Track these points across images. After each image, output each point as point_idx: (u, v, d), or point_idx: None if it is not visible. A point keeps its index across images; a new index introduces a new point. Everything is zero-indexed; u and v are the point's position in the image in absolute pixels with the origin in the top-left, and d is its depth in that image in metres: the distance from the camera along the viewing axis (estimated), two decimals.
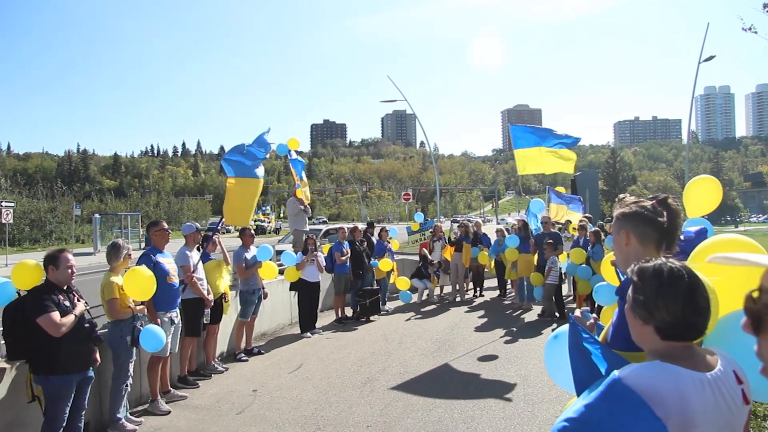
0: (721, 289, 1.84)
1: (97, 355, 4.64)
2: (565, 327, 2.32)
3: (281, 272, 9.61)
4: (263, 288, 8.42)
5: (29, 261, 4.67)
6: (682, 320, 1.45)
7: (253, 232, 8.75)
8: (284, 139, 10.45)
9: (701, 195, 3.54)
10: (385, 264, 11.39)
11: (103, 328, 5.24)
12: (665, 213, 2.02)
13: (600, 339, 2.02)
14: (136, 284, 5.23)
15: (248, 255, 8.13)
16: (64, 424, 4.32)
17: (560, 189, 14.94)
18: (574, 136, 10.55)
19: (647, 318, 1.48)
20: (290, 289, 9.69)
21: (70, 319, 4.31)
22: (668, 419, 1.32)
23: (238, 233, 8.98)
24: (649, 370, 1.41)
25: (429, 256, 12.68)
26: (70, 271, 4.48)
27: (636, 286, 1.53)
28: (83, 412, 4.59)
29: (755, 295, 0.85)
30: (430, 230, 13.58)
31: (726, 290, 1.89)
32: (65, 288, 4.48)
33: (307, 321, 9.45)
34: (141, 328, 5.24)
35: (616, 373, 1.39)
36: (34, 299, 4.27)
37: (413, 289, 12.21)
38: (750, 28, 8.12)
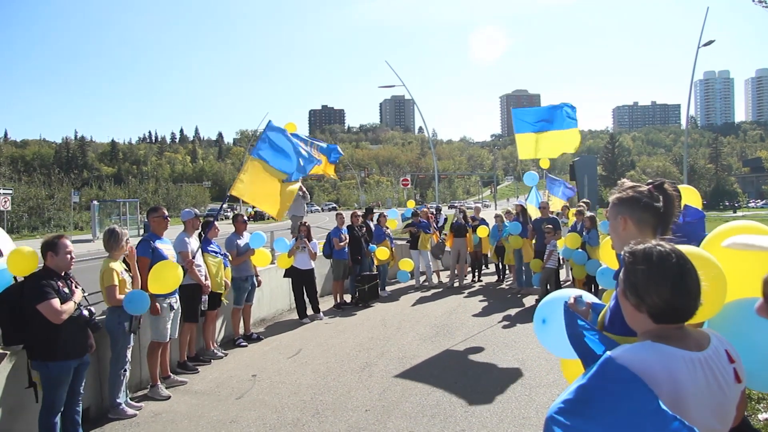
0: (730, 275, 1.86)
1: (93, 341, 4.65)
2: (549, 305, 2.38)
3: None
4: (257, 275, 8.42)
5: (24, 248, 4.67)
6: (672, 303, 1.47)
7: (246, 218, 8.74)
8: (281, 125, 10.38)
9: None
10: (382, 253, 11.40)
11: (102, 315, 5.26)
12: (661, 198, 2.04)
13: (598, 321, 2.05)
14: (163, 276, 5.34)
15: (240, 242, 8.11)
16: (62, 409, 4.36)
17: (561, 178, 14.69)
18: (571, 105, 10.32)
19: (639, 303, 1.51)
20: (284, 276, 9.71)
21: (70, 305, 4.32)
22: (659, 396, 1.34)
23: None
24: (641, 350, 1.44)
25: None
26: (69, 257, 4.47)
27: (627, 270, 1.55)
28: (80, 397, 4.62)
29: None
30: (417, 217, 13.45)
31: (736, 277, 1.91)
32: (63, 274, 4.49)
33: (304, 307, 9.49)
34: (140, 315, 5.28)
35: (609, 353, 1.42)
36: (33, 286, 4.26)
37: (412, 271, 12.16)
38: (762, 0, 8.07)
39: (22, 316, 4.23)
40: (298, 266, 9.44)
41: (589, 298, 2.24)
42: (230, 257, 7.71)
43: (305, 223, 10.04)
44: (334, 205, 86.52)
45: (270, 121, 7.80)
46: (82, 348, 4.49)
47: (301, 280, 9.51)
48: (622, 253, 1.60)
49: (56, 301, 4.22)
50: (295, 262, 9.39)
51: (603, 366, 1.37)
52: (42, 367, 4.26)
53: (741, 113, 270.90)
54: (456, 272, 12.69)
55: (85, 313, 4.46)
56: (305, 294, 9.55)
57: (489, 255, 13.40)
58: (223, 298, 7.37)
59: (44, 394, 4.29)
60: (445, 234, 13.41)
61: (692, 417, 1.39)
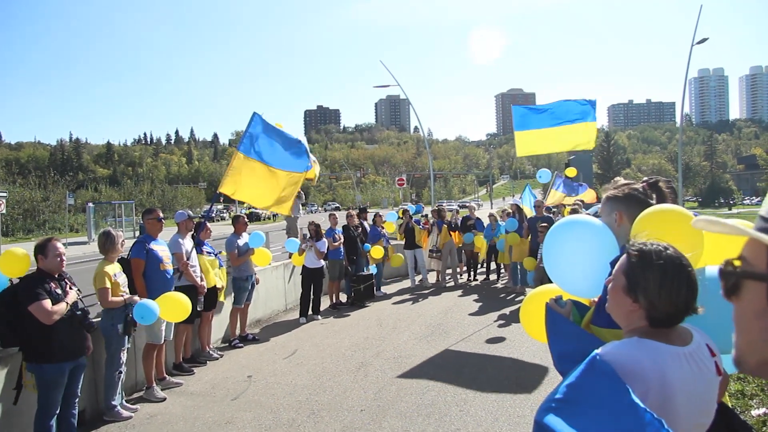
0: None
1: (90, 343, 4.66)
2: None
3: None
4: (255, 274, 8.43)
5: (17, 249, 4.68)
6: (684, 310, 1.47)
7: (246, 219, 8.75)
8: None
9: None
10: (376, 251, 11.40)
11: (97, 317, 5.26)
12: (655, 196, 2.09)
13: (588, 314, 2.08)
14: (173, 309, 5.41)
15: (240, 242, 8.12)
16: (57, 411, 4.36)
17: (572, 171, 14.65)
18: (588, 100, 10.00)
19: (650, 308, 1.48)
20: (300, 274, 9.88)
21: (61, 306, 4.32)
22: (648, 392, 1.36)
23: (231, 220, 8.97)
24: (629, 347, 1.44)
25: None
26: (59, 259, 4.47)
27: (635, 272, 1.51)
28: (77, 399, 4.62)
29: (736, 263, 0.87)
30: (422, 214, 13.54)
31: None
32: (57, 276, 4.49)
33: (307, 306, 9.57)
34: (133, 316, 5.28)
35: (596, 351, 1.42)
36: (25, 287, 4.27)
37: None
38: None
39: (17, 318, 4.24)
40: (307, 265, 9.65)
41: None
42: (223, 254, 7.73)
43: (313, 222, 10.14)
44: (337, 205, 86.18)
45: (255, 115, 7.59)
46: (77, 350, 4.50)
47: (311, 278, 9.66)
48: (628, 247, 1.57)
49: (47, 302, 4.22)
50: (305, 261, 9.63)
51: (590, 365, 1.38)
52: (37, 369, 4.27)
53: (735, 111, 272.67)
54: (449, 271, 12.73)
55: (80, 313, 4.47)
56: (312, 292, 9.70)
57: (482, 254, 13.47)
58: (221, 298, 7.38)
59: (39, 396, 4.29)
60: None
61: (680, 411, 1.41)
